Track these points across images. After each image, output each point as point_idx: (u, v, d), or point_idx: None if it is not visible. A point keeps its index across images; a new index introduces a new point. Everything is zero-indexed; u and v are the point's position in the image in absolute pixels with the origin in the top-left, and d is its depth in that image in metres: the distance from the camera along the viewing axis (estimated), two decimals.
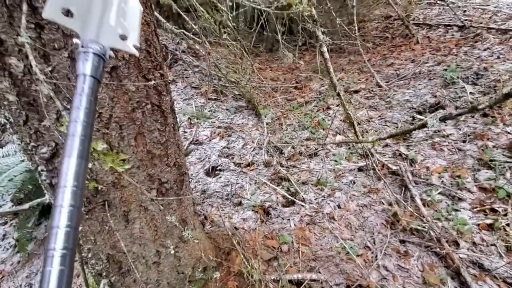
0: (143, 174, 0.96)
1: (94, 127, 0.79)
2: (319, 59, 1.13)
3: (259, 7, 0.67)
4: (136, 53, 0.49)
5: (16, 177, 2.16)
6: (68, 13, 0.43)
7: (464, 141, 2.13)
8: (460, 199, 1.81)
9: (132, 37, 0.48)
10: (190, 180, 2.35)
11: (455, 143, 2.14)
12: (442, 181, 1.93)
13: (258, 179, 2.28)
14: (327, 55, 1.06)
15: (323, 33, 1.01)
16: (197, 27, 2.61)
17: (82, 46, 0.42)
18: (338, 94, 1.17)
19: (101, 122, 0.79)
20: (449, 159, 2.06)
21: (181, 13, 2.53)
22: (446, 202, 1.82)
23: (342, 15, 3.92)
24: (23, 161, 2.30)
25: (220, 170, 2.47)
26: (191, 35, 2.61)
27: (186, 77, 3.51)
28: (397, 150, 2.23)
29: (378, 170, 2.06)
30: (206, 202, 2.12)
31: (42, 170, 0.83)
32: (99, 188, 0.84)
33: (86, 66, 0.41)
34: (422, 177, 2.01)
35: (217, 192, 2.23)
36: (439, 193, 1.87)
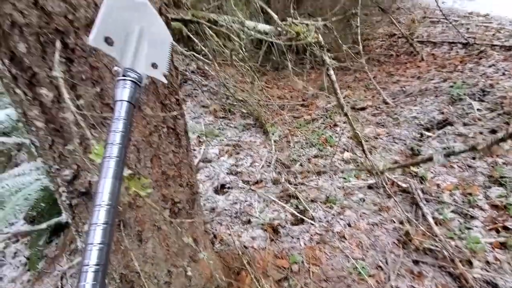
0: (157, 194, 0.99)
1: None
2: (326, 80, 1.17)
3: (270, 39, 0.72)
4: (165, 80, 0.53)
5: (31, 196, 2.22)
6: (109, 41, 0.48)
7: (474, 158, 2.11)
8: (472, 217, 1.77)
9: (162, 66, 0.53)
10: (199, 198, 2.37)
11: (465, 160, 2.13)
12: (454, 198, 1.91)
13: (267, 197, 2.28)
14: (334, 77, 1.10)
15: (329, 56, 1.05)
16: (206, 49, 2.72)
17: (122, 75, 0.47)
18: (346, 115, 1.20)
19: None
20: (459, 176, 2.03)
21: (191, 36, 2.65)
22: (458, 221, 1.78)
23: (346, 34, 4.03)
24: (38, 179, 2.37)
25: (228, 187, 2.49)
26: (201, 57, 2.72)
27: (195, 96, 3.61)
28: (406, 167, 2.22)
29: (388, 188, 2.04)
30: (215, 220, 2.12)
31: (63, 191, 0.86)
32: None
33: (123, 93, 0.45)
34: (433, 194, 1.98)
35: (226, 210, 2.23)
36: (451, 211, 1.84)
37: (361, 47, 3.26)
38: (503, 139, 1.03)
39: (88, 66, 0.69)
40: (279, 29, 0.87)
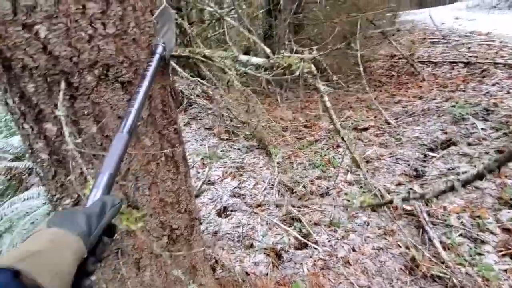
0: (155, 221, 1.00)
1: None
2: (322, 106, 1.21)
3: (259, 75, 0.77)
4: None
5: (38, 220, 2.26)
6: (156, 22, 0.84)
7: (480, 179, 2.07)
8: (483, 242, 1.71)
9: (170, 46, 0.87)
10: (202, 221, 2.37)
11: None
12: (462, 222, 1.85)
13: (270, 220, 2.26)
14: (328, 104, 1.13)
15: (323, 83, 1.09)
16: (211, 74, 2.83)
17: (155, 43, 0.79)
18: (343, 139, 1.22)
19: (119, 175, 0.86)
20: (466, 198, 1.99)
21: (196, 62, 2.77)
22: (468, 245, 1.72)
23: (347, 56, 4.12)
24: (44, 203, 2.42)
25: (231, 210, 2.48)
26: (205, 82, 2.82)
27: (200, 119, 3.70)
28: (411, 189, 2.19)
29: (392, 211, 2.00)
30: (218, 244, 2.10)
31: None
32: (114, 237, 0.88)
33: (157, 49, 0.75)
34: (440, 217, 1.93)
35: (228, 233, 2.21)
36: (459, 235, 1.78)
37: (361, 68, 3.33)
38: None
39: (90, 102, 0.74)
40: (271, 61, 0.92)
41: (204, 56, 0.83)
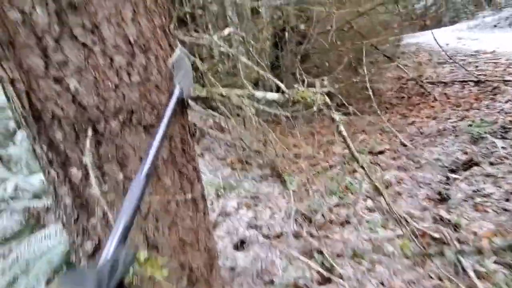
0: (175, 262, 0.97)
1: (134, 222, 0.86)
2: (337, 135, 1.20)
3: (273, 111, 0.79)
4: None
5: (54, 260, 2.24)
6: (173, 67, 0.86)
7: (507, 200, 1.95)
8: None
9: (187, 88, 0.88)
10: (219, 256, 2.29)
11: (499, 202, 1.97)
12: (494, 247, 1.72)
13: (289, 253, 2.16)
14: (344, 132, 1.12)
15: (338, 113, 1.09)
16: (222, 106, 2.90)
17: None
18: (362, 167, 1.19)
19: (140, 216, 0.86)
20: (496, 221, 1.86)
21: (208, 96, 2.87)
22: (502, 272, 1.58)
23: (356, 82, 4.18)
24: (61, 243, 2.41)
25: (248, 243, 2.39)
26: (217, 114, 2.89)
27: (213, 150, 3.74)
28: (437, 214, 2.08)
29: (417, 239, 1.89)
30: (236, 281, 2.01)
31: (83, 265, 0.88)
32: (134, 283, 0.86)
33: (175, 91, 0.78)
34: (471, 244, 1.80)
35: (246, 269, 2.12)
36: (493, 262, 1.65)
37: (371, 92, 3.35)
38: None
39: (114, 146, 0.76)
40: (286, 96, 0.93)
41: (222, 95, 0.85)
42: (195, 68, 3.18)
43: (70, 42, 0.63)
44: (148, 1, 0.74)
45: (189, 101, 3.38)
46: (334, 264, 1.94)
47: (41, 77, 0.66)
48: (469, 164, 2.37)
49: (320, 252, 2.08)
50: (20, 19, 0.60)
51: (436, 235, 1.90)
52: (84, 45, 0.64)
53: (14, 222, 3.79)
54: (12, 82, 0.69)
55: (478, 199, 2.07)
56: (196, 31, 3.19)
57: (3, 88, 0.75)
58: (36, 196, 3.80)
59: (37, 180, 3.76)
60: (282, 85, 0.90)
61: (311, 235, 2.26)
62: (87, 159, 0.64)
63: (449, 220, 1.99)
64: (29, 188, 3.93)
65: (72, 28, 0.62)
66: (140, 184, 0.59)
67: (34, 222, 3.86)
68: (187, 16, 3.61)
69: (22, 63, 0.64)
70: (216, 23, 4.75)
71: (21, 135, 3.57)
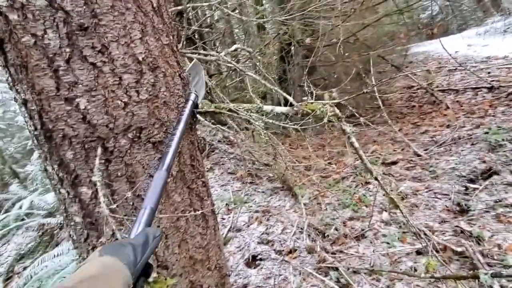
0: (185, 281, 0.94)
1: None
2: (349, 147, 1.17)
3: (282, 124, 0.79)
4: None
5: (66, 278, 2.23)
6: (188, 76, 0.93)
7: None
8: None
9: (200, 95, 0.95)
10: (230, 273, 2.23)
11: None
12: None
13: (303, 269, 2.09)
14: (356, 144, 1.09)
15: (346, 116, 1.07)
16: (231, 120, 2.92)
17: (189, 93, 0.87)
18: (376, 179, 1.15)
19: None
20: None
21: (216, 111, 2.89)
22: None
23: (365, 93, 4.14)
24: (74, 260, 2.41)
25: (260, 259, 2.33)
26: (226, 128, 2.90)
27: (223, 164, 3.74)
28: (457, 226, 1.98)
29: (436, 253, 1.79)
30: None
31: None
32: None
33: (190, 96, 0.84)
34: (496, 257, 1.69)
35: (259, 286, 2.05)
36: None
37: (380, 102, 3.31)
38: None
39: (123, 164, 0.75)
40: (295, 109, 0.92)
41: (230, 110, 0.85)
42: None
43: (80, 63, 0.65)
44: (156, 21, 0.75)
45: (198, 116, 3.43)
46: (351, 281, 1.85)
47: (52, 98, 0.67)
48: (489, 173, 2.27)
49: (335, 268, 2.00)
50: (32, 42, 0.62)
51: (458, 249, 1.80)
52: (93, 65, 0.66)
53: (29, 238, 3.85)
54: (25, 103, 0.70)
55: (500, 210, 1.96)
56: (204, 48, 3.27)
57: (19, 108, 0.77)
58: (50, 213, 3.86)
59: (51, 198, 3.83)
60: (290, 98, 0.89)
61: (325, 250, 2.19)
62: (97, 178, 0.64)
63: (470, 233, 1.89)
64: (43, 206, 4.00)
65: (82, 50, 0.64)
66: (163, 176, 0.64)
67: (48, 238, 3.90)
68: (195, 34, 3.72)
69: (34, 85, 0.66)
70: (223, 40, 4.87)
71: (37, 154, 3.68)
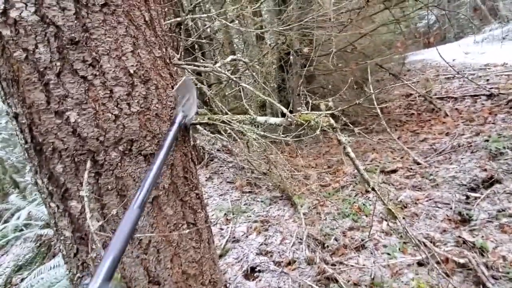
0: None
1: (134, 254, 0.83)
2: (345, 157, 1.16)
3: (274, 136, 0.79)
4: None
5: None
6: (176, 95, 0.88)
7: None
8: None
9: (191, 114, 0.91)
10: (228, 285, 2.18)
11: None
12: None
13: (302, 281, 2.04)
14: (352, 154, 1.08)
15: (343, 125, 1.06)
16: (229, 130, 2.92)
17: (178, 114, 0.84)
18: (373, 189, 1.13)
19: (140, 249, 0.82)
20: None
21: (215, 121, 2.90)
22: None
23: (363, 101, 4.15)
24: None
25: (259, 271, 2.29)
26: (224, 137, 2.90)
27: (222, 173, 3.71)
28: (459, 236, 1.94)
29: (438, 265, 1.75)
30: None
31: None
32: None
33: (177, 119, 0.80)
34: (501, 270, 1.65)
35: None
36: None
37: (378, 110, 3.31)
38: None
39: (114, 177, 0.74)
40: (289, 120, 0.92)
41: (223, 122, 0.85)
42: (202, 93, 3.26)
43: (71, 76, 0.65)
44: (148, 34, 0.76)
45: (198, 125, 3.43)
46: None
47: (43, 111, 0.67)
48: (490, 181, 2.24)
49: (335, 280, 1.95)
50: (24, 57, 0.62)
51: (461, 260, 1.76)
52: (84, 78, 0.66)
53: (27, 249, 3.80)
54: (16, 116, 0.70)
55: (504, 220, 1.93)
56: (203, 59, 3.31)
57: (11, 122, 0.77)
58: (48, 224, 3.83)
59: None
60: (284, 109, 0.88)
61: (325, 262, 2.15)
62: (85, 193, 0.63)
63: (473, 244, 1.85)
64: (41, 217, 3.97)
65: (73, 63, 0.64)
66: (133, 216, 0.57)
67: (45, 249, 3.85)
68: (195, 45, 3.76)
69: (25, 98, 0.66)
70: (222, 50, 4.92)
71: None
